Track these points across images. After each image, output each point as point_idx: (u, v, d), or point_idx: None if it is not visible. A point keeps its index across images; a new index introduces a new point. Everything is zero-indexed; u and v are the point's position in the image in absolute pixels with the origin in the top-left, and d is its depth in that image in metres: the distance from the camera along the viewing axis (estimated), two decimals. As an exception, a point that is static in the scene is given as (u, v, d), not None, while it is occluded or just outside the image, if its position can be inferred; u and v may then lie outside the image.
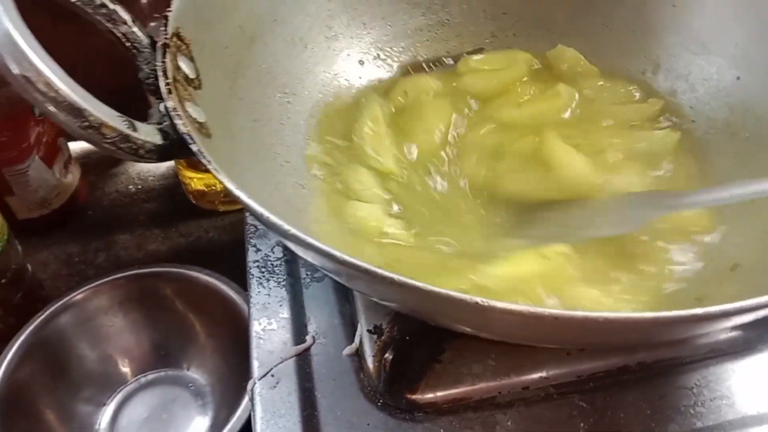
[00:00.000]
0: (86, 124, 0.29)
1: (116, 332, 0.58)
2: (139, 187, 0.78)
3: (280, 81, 0.48)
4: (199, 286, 0.57)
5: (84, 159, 0.77)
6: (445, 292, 0.25)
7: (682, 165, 0.47)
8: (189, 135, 0.31)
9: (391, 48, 0.55)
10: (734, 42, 0.50)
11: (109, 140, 0.30)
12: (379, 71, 0.55)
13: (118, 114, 0.31)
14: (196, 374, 0.59)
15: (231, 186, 0.29)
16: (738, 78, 0.49)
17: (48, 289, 0.66)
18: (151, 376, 0.60)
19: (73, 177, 0.72)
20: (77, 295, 0.56)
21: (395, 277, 0.26)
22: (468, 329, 0.32)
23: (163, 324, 0.59)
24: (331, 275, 0.40)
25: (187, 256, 0.70)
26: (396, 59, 0.55)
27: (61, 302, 0.56)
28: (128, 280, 0.57)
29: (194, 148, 0.31)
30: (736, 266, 0.40)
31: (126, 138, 0.31)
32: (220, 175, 0.30)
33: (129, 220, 0.74)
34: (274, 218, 0.28)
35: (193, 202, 0.74)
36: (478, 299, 0.25)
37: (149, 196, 0.77)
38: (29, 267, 0.63)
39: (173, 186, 0.77)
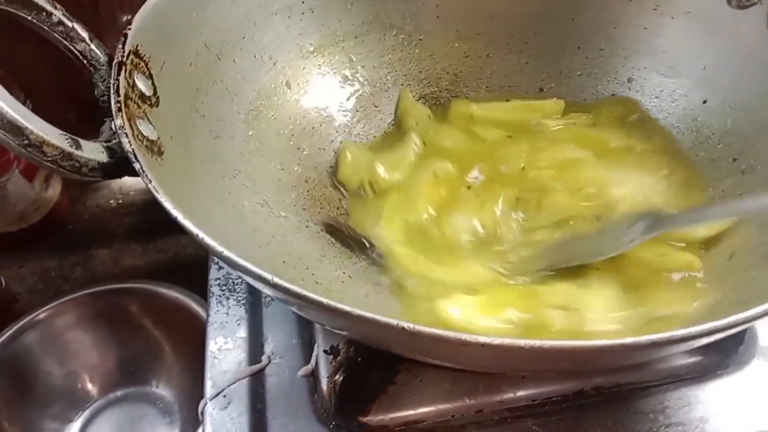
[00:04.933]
0: (26, 142, 0.29)
1: (84, 349, 0.58)
2: (120, 201, 0.78)
3: (246, 98, 0.48)
4: (168, 302, 0.57)
5: (66, 173, 0.77)
6: (372, 317, 0.25)
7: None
8: (133, 153, 0.32)
9: (363, 66, 0.55)
10: (703, 65, 0.50)
11: (50, 158, 0.30)
12: (351, 90, 0.55)
13: (61, 132, 0.31)
14: (164, 391, 0.59)
15: (168, 205, 0.29)
16: (705, 101, 0.49)
17: (22, 303, 0.66)
18: (119, 393, 0.59)
19: (53, 191, 0.72)
20: (44, 312, 0.56)
21: (324, 300, 0.26)
22: (408, 354, 0.32)
23: (132, 341, 0.59)
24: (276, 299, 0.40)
25: (163, 271, 0.70)
26: (369, 77, 0.55)
27: (28, 318, 0.56)
28: (96, 296, 0.57)
29: (136, 166, 0.31)
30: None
31: (68, 156, 0.31)
32: (158, 194, 0.30)
33: (108, 235, 0.74)
34: (207, 239, 0.28)
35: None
36: (405, 324, 0.25)
37: (130, 210, 0.77)
38: (3, 280, 0.63)
39: (154, 201, 0.77)
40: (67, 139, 0.31)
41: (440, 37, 0.56)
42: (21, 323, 0.55)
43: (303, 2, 0.51)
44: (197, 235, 0.28)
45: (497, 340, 0.24)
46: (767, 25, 0.45)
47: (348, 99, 0.54)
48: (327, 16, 0.53)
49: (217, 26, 0.46)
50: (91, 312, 0.58)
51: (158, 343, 0.59)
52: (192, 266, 0.71)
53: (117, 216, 0.77)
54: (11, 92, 0.31)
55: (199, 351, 0.56)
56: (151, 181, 0.30)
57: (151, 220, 0.76)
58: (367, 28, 0.55)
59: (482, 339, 0.24)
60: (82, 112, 0.69)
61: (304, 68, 0.52)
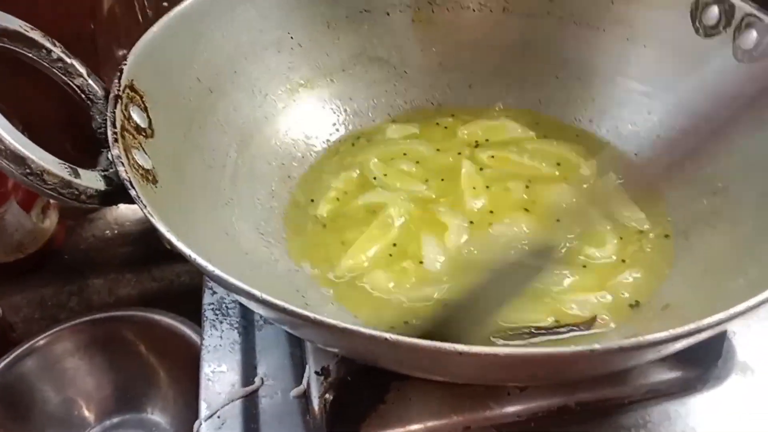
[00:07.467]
0: (28, 171, 0.31)
1: (81, 376, 0.59)
2: (116, 231, 0.80)
3: (237, 129, 0.50)
4: (162, 329, 0.58)
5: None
6: (356, 328, 0.27)
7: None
8: (129, 181, 0.33)
9: (350, 98, 0.57)
10: (675, 92, 0.52)
11: (50, 186, 0.32)
12: (338, 120, 0.57)
13: (61, 161, 0.33)
14: (159, 418, 0.60)
15: (162, 228, 0.31)
16: (678, 127, 0.51)
17: (19, 332, 0.67)
18: (115, 420, 0.60)
19: (50, 222, 0.73)
20: (42, 339, 0.57)
21: (308, 314, 0.27)
22: (394, 367, 0.33)
23: (127, 367, 0.60)
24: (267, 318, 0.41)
25: (157, 300, 0.71)
26: (356, 108, 0.58)
27: (26, 346, 0.57)
28: (93, 324, 0.58)
29: (132, 192, 0.33)
30: (667, 306, 0.41)
31: (68, 184, 0.32)
32: (153, 218, 0.31)
33: (103, 265, 0.75)
34: (200, 259, 0.29)
35: (167, 246, 0.75)
36: (387, 335, 0.27)
37: (125, 240, 0.79)
38: (0, 309, 0.64)
39: (149, 231, 0.79)
40: (66, 168, 0.32)
41: (424, 69, 0.59)
42: (20, 350, 0.56)
43: (292, 37, 0.54)
44: (190, 256, 0.30)
45: (474, 349, 0.26)
46: (732, 53, 0.47)
47: (336, 128, 0.56)
48: (315, 51, 0.55)
49: (209, 61, 0.48)
50: (88, 339, 0.59)
51: (153, 369, 0.60)
52: (185, 294, 0.72)
53: (112, 246, 0.78)
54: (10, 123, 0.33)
55: (193, 377, 0.57)
56: (146, 206, 0.32)
57: (145, 250, 0.77)
58: (354, 62, 0.57)
59: (459, 348, 0.26)
60: (79, 142, 0.71)
61: (294, 100, 0.55)
